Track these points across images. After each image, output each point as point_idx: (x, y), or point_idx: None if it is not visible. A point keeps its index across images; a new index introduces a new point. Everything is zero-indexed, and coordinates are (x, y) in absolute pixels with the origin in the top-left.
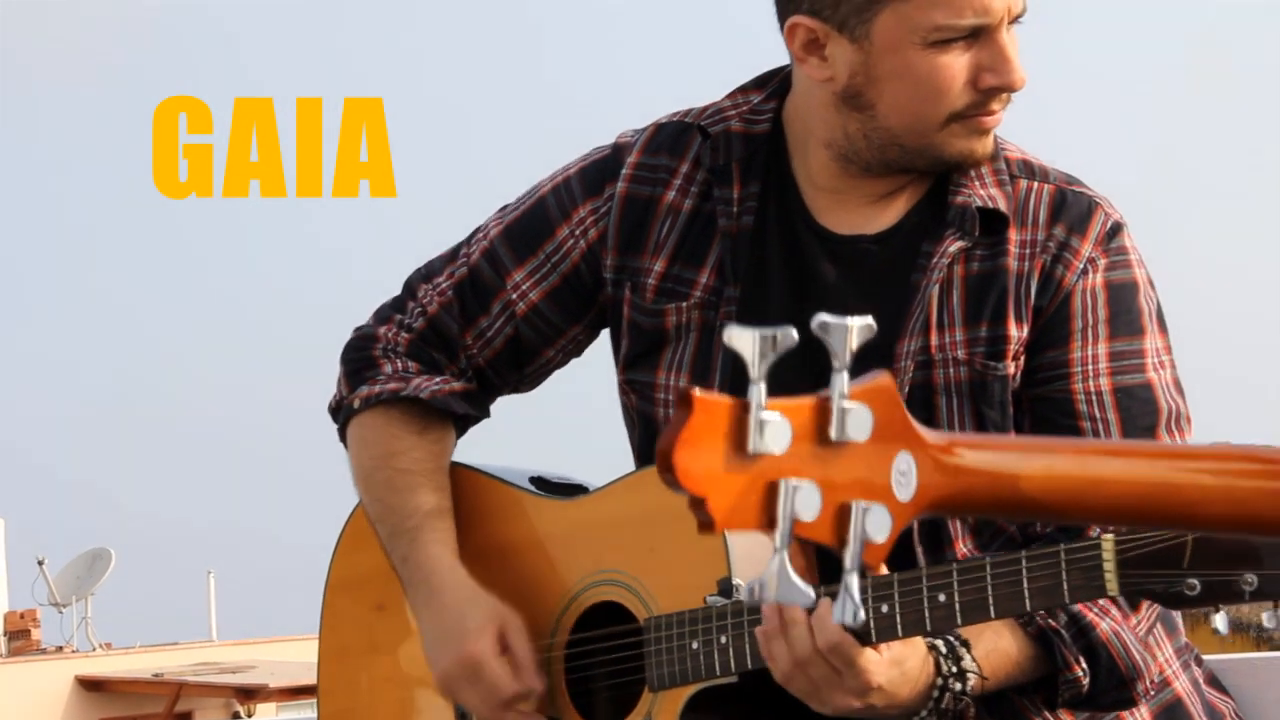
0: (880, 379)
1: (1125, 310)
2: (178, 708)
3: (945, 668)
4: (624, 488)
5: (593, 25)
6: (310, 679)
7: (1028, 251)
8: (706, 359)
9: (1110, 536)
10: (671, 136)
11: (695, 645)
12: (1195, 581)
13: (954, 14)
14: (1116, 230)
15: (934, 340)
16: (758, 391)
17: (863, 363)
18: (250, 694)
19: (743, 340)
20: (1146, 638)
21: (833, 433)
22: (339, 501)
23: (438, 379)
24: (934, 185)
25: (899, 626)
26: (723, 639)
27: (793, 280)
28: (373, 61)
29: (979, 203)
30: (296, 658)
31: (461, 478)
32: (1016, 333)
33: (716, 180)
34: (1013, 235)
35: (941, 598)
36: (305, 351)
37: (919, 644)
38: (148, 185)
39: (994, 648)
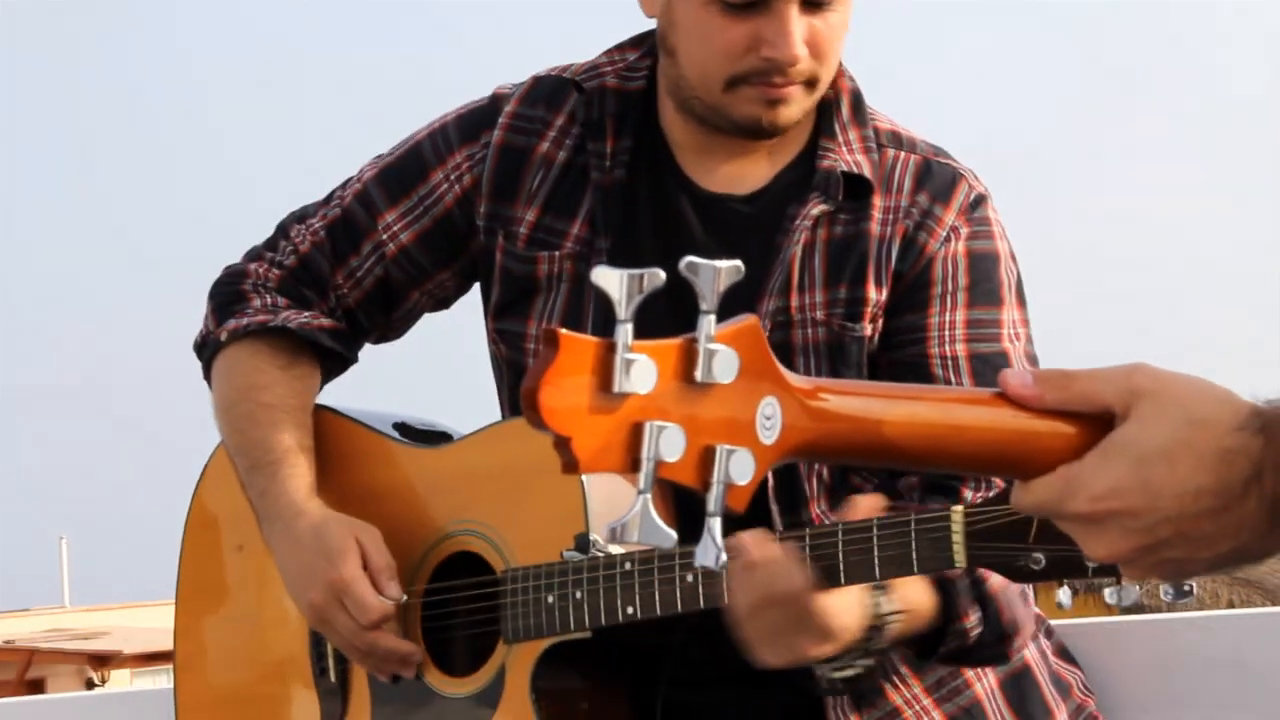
0: (747, 321)
1: (985, 279)
2: (29, 675)
3: (879, 608)
4: (488, 438)
5: None
6: (165, 645)
7: (890, 217)
8: (578, 309)
9: (960, 509)
10: (549, 90)
11: (550, 599)
12: (1040, 556)
13: None
14: (980, 201)
15: (794, 301)
16: (624, 331)
17: (725, 319)
18: (104, 660)
19: (610, 280)
20: (1023, 595)
21: (698, 374)
22: (196, 463)
23: (306, 313)
24: (805, 149)
25: None
26: (578, 594)
27: (662, 234)
28: None
29: (844, 168)
30: (151, 624)
31: (325, 420)
32: (875, 295)
33: (590, 134)
34: (877, 201)
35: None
36: (165, 311)
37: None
38: None
39: (907, 589)
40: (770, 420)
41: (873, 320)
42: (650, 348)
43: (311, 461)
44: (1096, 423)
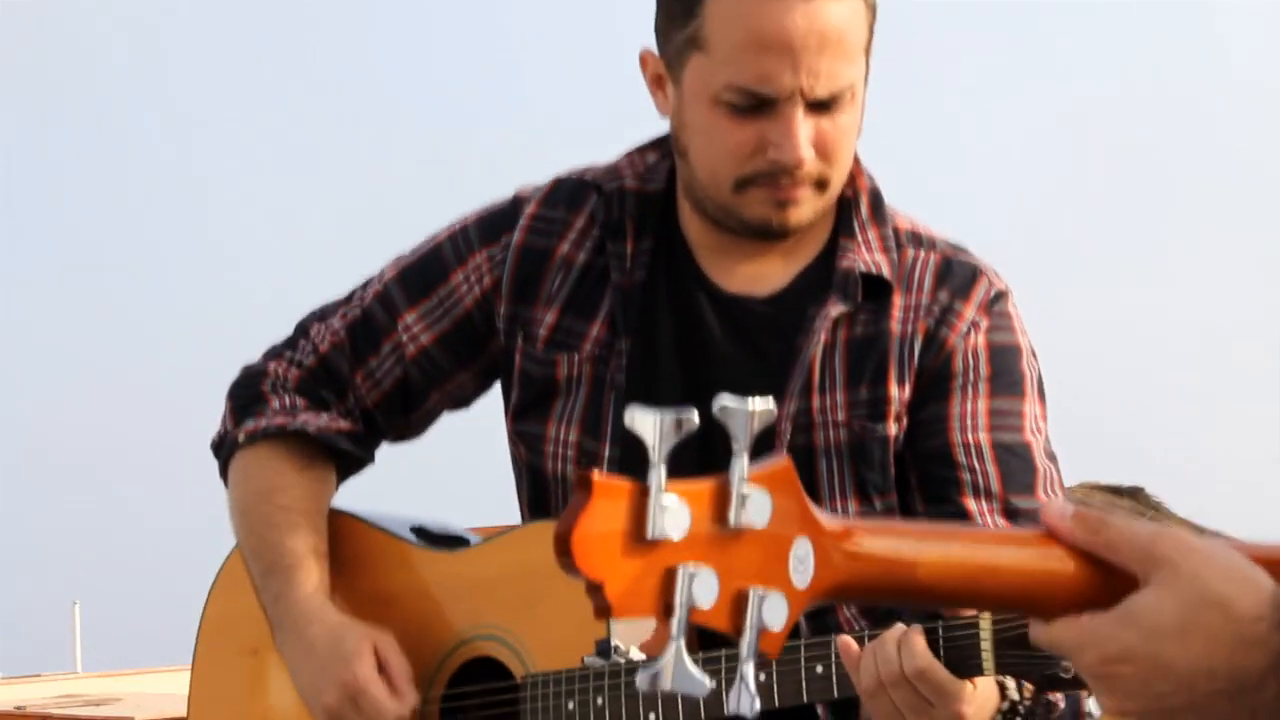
0: (780, 463)
1: (1007, 371)
2: None
3: (1010, 692)
4: (507, 542)
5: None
6: (177, 711)
7: (911, 316)
8: (596, 412)
9: (988, 615)
10: (569, 191)
11: (571, 706)
12: (1069, 664)
13: (742, 78)
14: (1000, 297)
15: (815, 403)
16: (658, 475)
17: None
18: None
19: (644, 422)
20: None
21: (731, 518)
22: (208, 530)
23: (325, 416)
24: (825, 249)
25: (775, 697)
26: (599, 700)
27: (682, 336)
28: None
29: (863, 268)
30: (164, 690)
31: (340, 523)
32: (898, 394)
33: (610, 235)
34: (897, 300)
35: (819, 669)
36: (187, 380)
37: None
38: None
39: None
40: (803, 563)
41: (897, 419)
42: (684, 489)
43: (326, 567)
44: (1123, 576)
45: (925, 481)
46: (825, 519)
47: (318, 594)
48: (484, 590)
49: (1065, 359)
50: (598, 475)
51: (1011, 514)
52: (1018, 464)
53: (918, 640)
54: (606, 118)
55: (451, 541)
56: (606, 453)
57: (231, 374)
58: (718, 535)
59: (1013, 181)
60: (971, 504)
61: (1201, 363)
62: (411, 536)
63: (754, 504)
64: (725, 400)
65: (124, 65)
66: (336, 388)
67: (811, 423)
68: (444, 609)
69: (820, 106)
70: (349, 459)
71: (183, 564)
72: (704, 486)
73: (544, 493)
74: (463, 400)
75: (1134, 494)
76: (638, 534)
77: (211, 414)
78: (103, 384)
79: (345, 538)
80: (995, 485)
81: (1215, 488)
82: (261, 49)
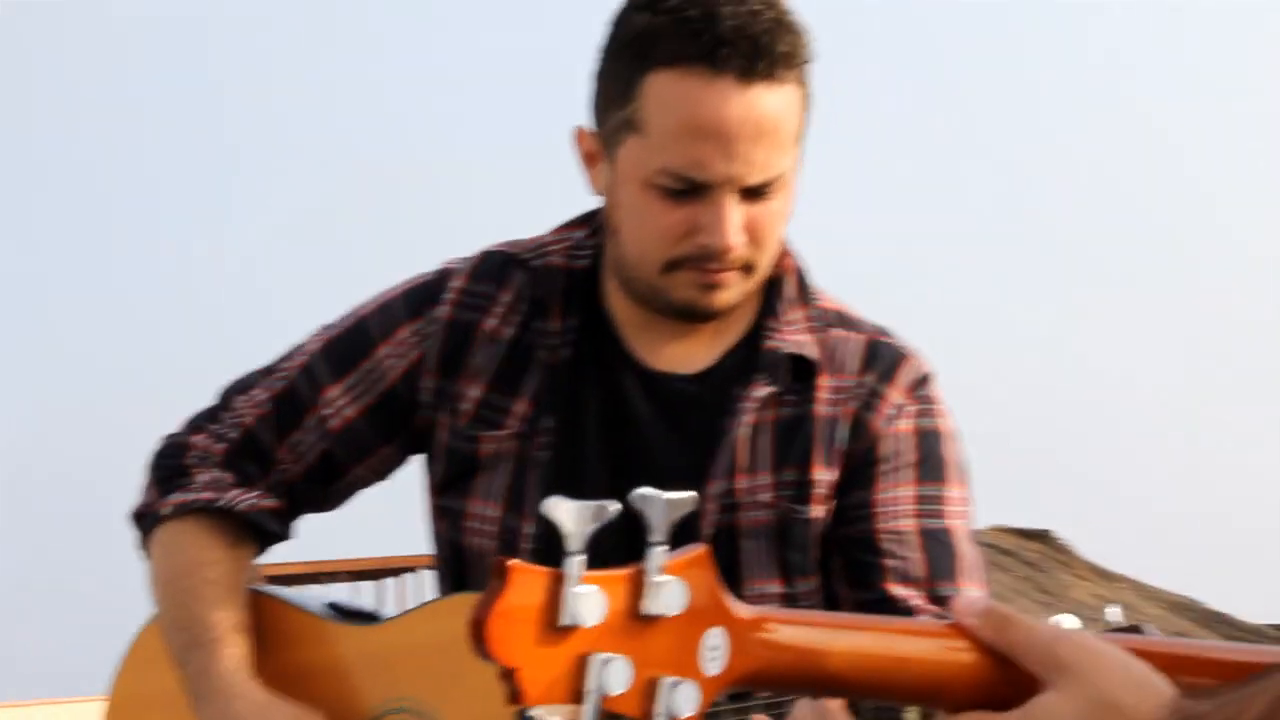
0: (696, 552)
1: (932, 456)
2: None
3: None
4: (424, 616)
5: None
6: None
7: (837, 398)
8: (520, 490)
9: (914, 710)
10: (497, 266)
11: None
12: None
13: (677, 163)
14: (925, 380)
15: (740, 484)
16: (575, 564)
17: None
18: None
19: (563, 512)
20: None
21: (646, 607)
22: (114, 558)
23: (253, 494)
24: (751, 329)
25: None
26: None
27: (608, 414)
28: None
29: (790, 349)
30: None
31: (257, 602)
32: (823, 477)
33: (536, 312)
34: (823, 382)
35: None
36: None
37: None
38: None
39: None
40: (715, 651)
41: (822, 502)
42: (601, 578)
43: (250, 641)
44: (1029, 674)
45: (850, 566)
46: (739, 608)
47: (242, 669)
48: (401, 664)
49: (979, 407)
50: (514, 562)
51: (936, 600)
52: (942, 550)
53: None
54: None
55: (366, 617)
56: (529, 530)
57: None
58: (632, 623)
59: (931, 247)
60: (896, 590)
61: (1108, 410)
62: (327, 612)
63: (669, 593)
64: (643, 490)
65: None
66: (260, 462)
67: (736, 503)
68: (360, 683)
69: (753, 193)
70: (271, 537)
71: (90, 593)
72: (621, 575)
73: (464, 568)
74: (384, 473)
75: (1042, 537)
76: (552, 621)
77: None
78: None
79: (262, 614)
80: (920, 572)
81: (1122, 533)
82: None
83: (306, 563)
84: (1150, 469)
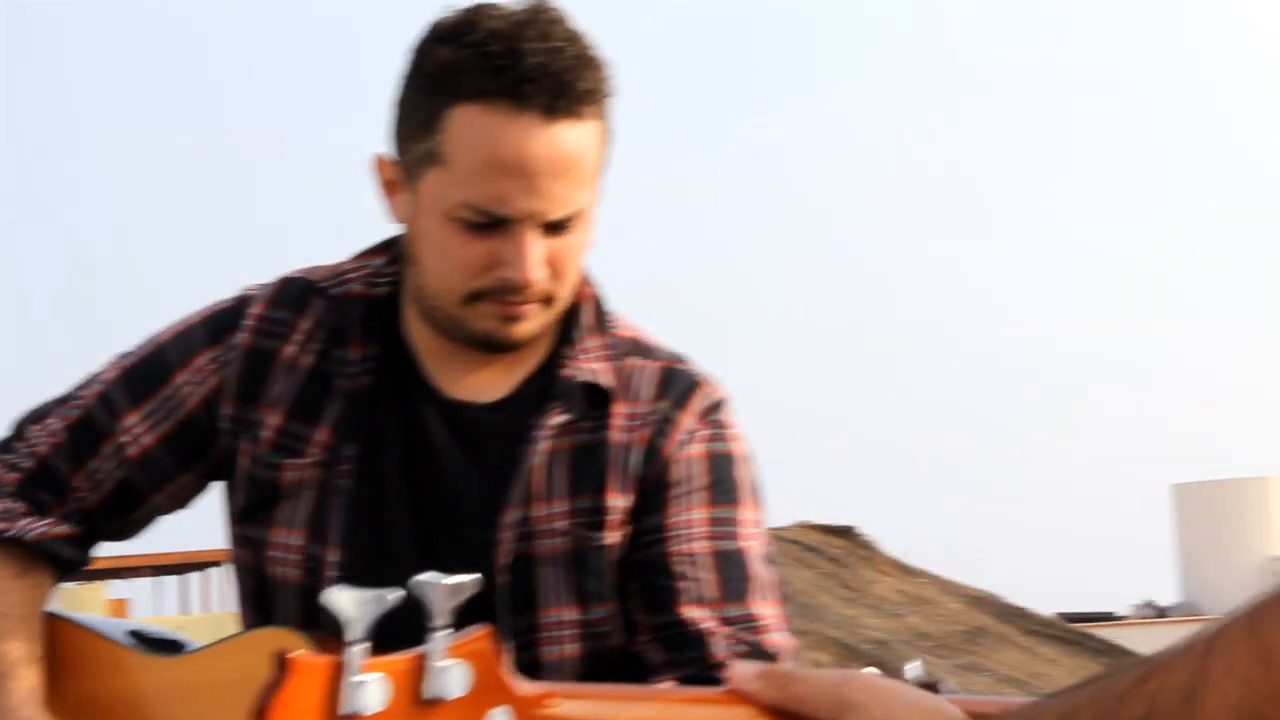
0: (479, 634)
1: (724, 479)
2: None
3: None
4: (228, 650)
5: None
6: None
7: (633, 425)
8: (323, 518)
9: None
10: (296, 293)
11: None
12: None
13: (478, 197)
14: (717, 406)
15: (536, 512)
16: (356, 653)
17: (467, 530)
18: None
19: (344, 600)
20: None
21: (428, 692)
22: None
23: (45, 521)
24: (549, 358)
25: None
26: None
27: (408, 442)
28: None
29: (585, 377)
30: None
31: (55, 628)
32: (618, 503)
33: (335, 341)
34: (618, 410)
35: None
36: None
37: None
38: None
39: None
40: None
41: (617, 528)
42: (384, 665)
43: (39, 672)
44: None
45: (645, 590)
46: (522, 686)
47: (31, 701)
48: (201, 698)
49: (785, 408)
50: (295, 655)
51: (729, 621)
52: (735, 572)
53: None
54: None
55: (170, 646)
56: (333, 558)
57: None
58: (415, 709)
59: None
60: (690, 612)
61: (907, 412)
62: (128, 640)
63: (451, 676)
64: (423, 576)
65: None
66: (55, 490)
67: (532, 531)
68: (159, 716)
69: (554, 227)
70: (67, 564)
71: None
72: (404, 660)
73: (266, 597)
74: (184, 501)
75: (846, 533)
76: (333, 711)
77: None
78: None
79: (59, 641)
80: (713, 593)
81: (921, 526)
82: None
83: (109, 558)
84: (953, 468)
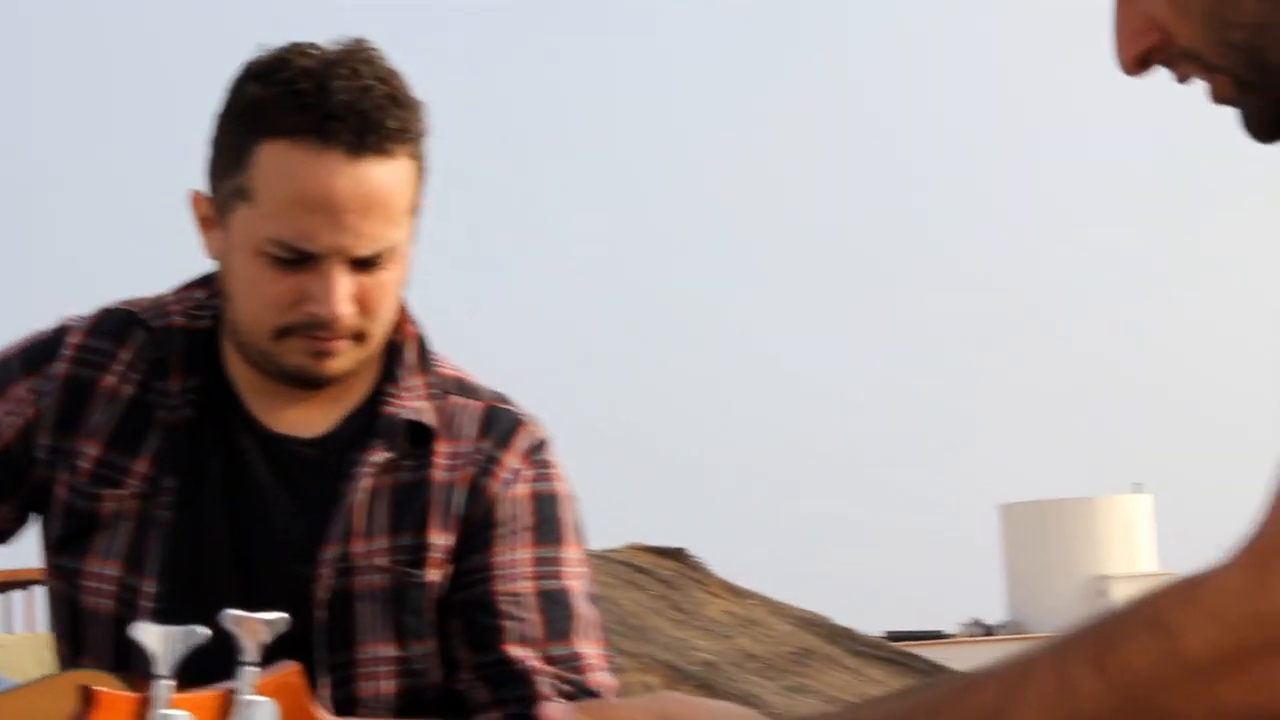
0: (288, 671)
1: (549, 519)
2: None
3: None
4: (40, 691)
5: None
6: None
7: (455, 464)
8: (141, 549)
9: None
10: (117, 323)
11: None
12: None
13: (285, 233)
14: (541, 445)
15: (356, 548)
16: (163, 688)
17: (286, 564)
18: None
19: (151, 636)
20: None
21: None
22: None
23: None
24: (371, 395)
25: None
26: None
27: (229, 475)
28: None
29: (408, 415)
30: None
31: None
32: (440, 541)
33: (156, 372)
34: (440, 448)
35: None
36: None
37: None
38: None
39: None
40: None
41: (439, 566)
42: (190, 701)
43: None
44: None
45: (469, 629)
46: None
47: None
48: None
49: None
50: (100, 690)
51: (553, 660)
52: (560, 611)
53: None
54: None
55: None
56: (150, 589)
57: None
58: None
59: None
60: (514, 651)
61: (738, 435)
62: None
63: (258, 712)
64: (232, 612)
65: None
66: None
67: (352, 567)
68: None
69: (363, 264)
70: None
71: None
72: (211, 696)
73: (80, 627)
74: (3, 535)
75: (677, 555)
76: None
77: None
78: None
79: None
80: (538, 633)
81: (753, 549)
82: None
83: None
84: (783, 489)
